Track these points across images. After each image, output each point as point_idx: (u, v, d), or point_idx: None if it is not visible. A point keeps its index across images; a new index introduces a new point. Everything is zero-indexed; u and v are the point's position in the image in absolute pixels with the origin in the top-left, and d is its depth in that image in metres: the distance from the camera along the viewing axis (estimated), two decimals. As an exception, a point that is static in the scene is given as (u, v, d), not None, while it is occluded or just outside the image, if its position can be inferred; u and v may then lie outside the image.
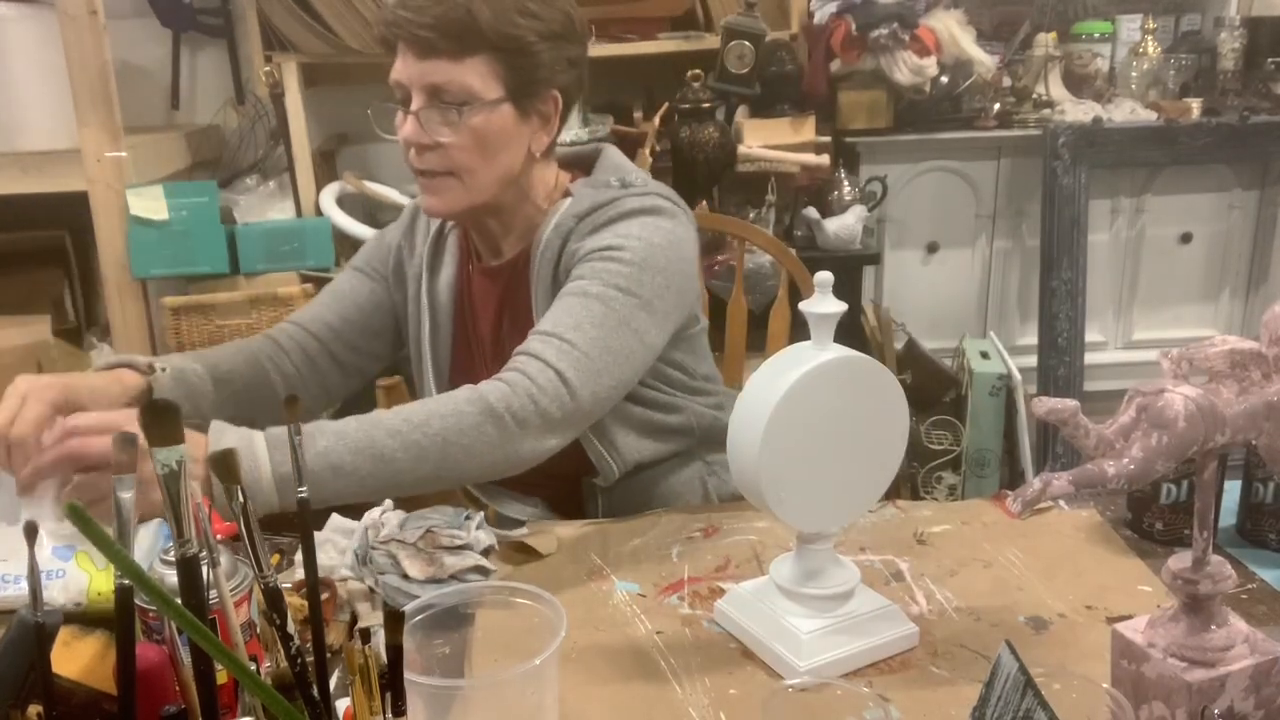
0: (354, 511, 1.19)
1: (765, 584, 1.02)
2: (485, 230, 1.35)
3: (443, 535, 1.08)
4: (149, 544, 1.06)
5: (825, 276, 0.95)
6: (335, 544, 1.16)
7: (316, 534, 1.16)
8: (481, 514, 1.14)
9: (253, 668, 0.69)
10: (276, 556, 1.17)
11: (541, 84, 1.24)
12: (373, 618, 1.03)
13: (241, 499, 0.71)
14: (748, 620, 1.00)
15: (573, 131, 2.47)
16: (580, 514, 1.35)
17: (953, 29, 2.63)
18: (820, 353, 0.94)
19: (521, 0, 1.20)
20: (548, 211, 1.32)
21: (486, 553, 1.11)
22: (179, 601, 0.67)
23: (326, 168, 2.71)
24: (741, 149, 2.51)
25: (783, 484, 0.93)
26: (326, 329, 1.41)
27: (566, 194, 1.32)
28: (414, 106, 1.21)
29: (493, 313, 1.37)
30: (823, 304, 0.94)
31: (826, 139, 2.58)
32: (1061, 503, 1.26)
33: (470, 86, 1.20)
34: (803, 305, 0.96)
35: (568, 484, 1.36)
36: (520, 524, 1.23)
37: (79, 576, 0.93)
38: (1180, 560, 0.79)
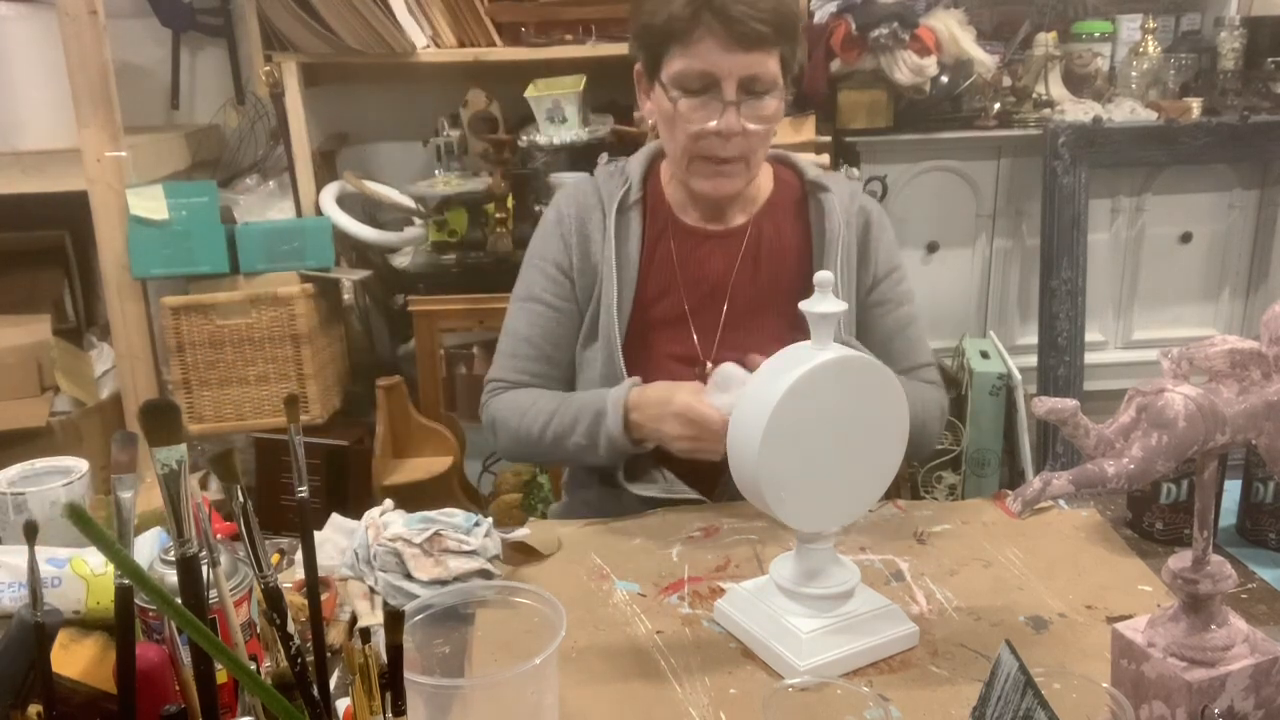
0: (354, 511, 1.19)
1: (765, 583, 1.02)
2: (723, 202, 1.42)
3: (450, 539, 1.08)
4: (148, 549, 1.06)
5: (825, 276, 0.95)
6: (335, 544, 1.16)
7: (316, 534, 1.16)
8: (490, 520, 1.14)
9: (253, 667, 0.69)
10: (276, 556, 1.17)
11: (794, 69, 1.35)
12: (373, 618, 1.03)
13: (241, 499, 0.71)
14: (747, 620, 1.00)
15: (573, 131, 2.47)
16: (710, 488, 1.38)
17: (953, 29, 2.62)
18: (820, 352, 0.94)
19: None
20: (814, 194, 1.43)
21: (494, 560, 1.10)
22: (179, 601, 0.67)
23: (326, 167, 2.71)
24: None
25: (782, 484, 0.93)
26: (551, 370, 1.45)
27: (813, 186, 1.44)
28: (730, 97, 1.28)
29: (715, 273, 1.43)
30: (823, 304, 0.94)
31: (826, 139, 2.57)
32: (1061, 502, 1.26)
33: (776, 75, 1.30)
34: (803, 305, 0.96)
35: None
36: (649, 502, 1.35)
37: (76, 585, 0.93)
38: (1180, 560, 0.79)
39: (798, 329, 1.36)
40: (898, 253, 1.48)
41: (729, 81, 1.27)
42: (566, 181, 1.50)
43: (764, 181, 1.46)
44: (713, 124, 1.29)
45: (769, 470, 0.92)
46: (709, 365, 1.39)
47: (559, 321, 1.44)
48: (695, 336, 1.42)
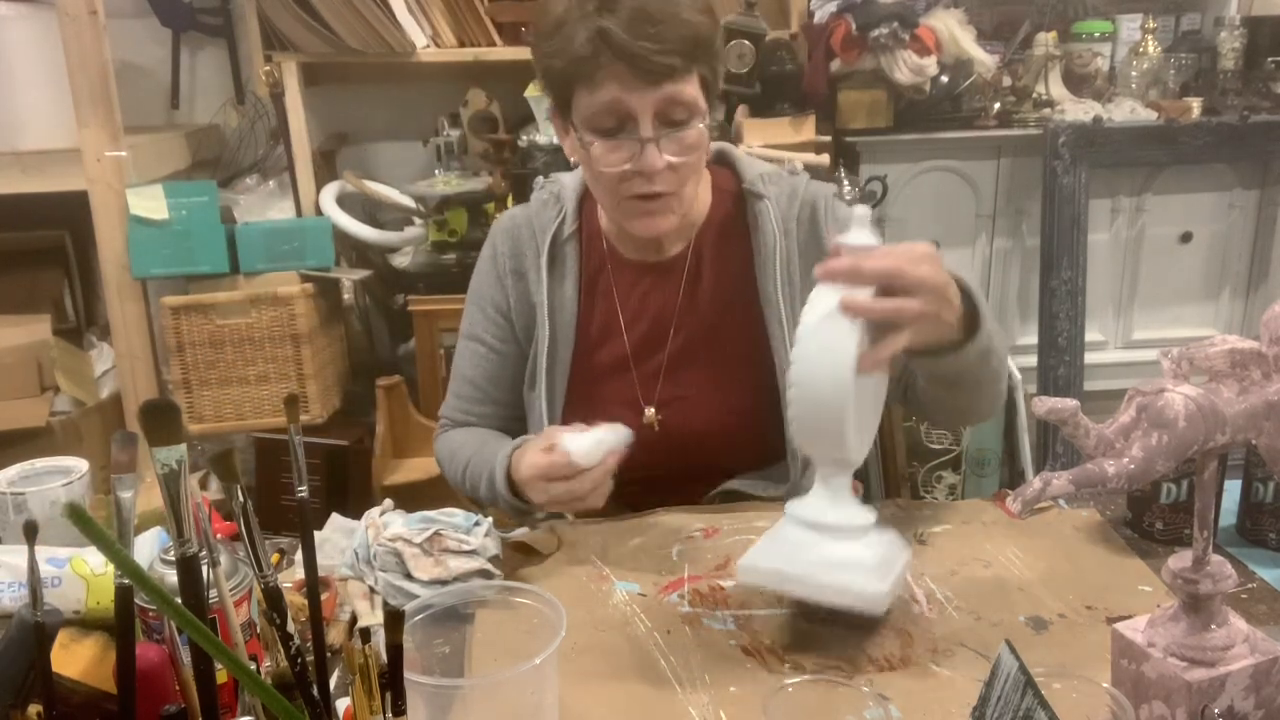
0: (354, 511, 1.19)
1: (789, 532, 1.02)
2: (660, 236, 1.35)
3: (450, 539, 1.08)
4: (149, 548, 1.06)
5: (863, 210, 0.97)
6: (335, 544, 1.16)
7: (316, 534, 1.16)
8: (489, 520, 1.14)
9: (253, 667, 0.69)
10: (276, 556, 1.17)
11: (718, 85, 1.27)
12: (373, 618, 1.03)
13: (241, 499, 0.71)
14: (791, 565, 0.99)
15: (573, 131, 2.47)
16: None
17: (953, 28, 2.62)
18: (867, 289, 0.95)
19: (708, 4, 1.21)
20: (750, 202, 1.34)
21: (494, 560, 1.10)
22: (179, 601, 0.67)
23: (326, 167, 2.71)
24: (741, 149, 2.51)
25: (854, 417, 0.95)
26: (496, 410, 1.41)
27: (749, 195, 1.34)
28: (647, 133, 1.19)
29: (655, 309, 1.36)
30: (860, 237, 0.97)
31: (826, 138, 2.57)
32: (1061, 502, 1.26)
33: (695, 99, 1.20)
34: (840, 239, 0.97)
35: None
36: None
37: (76, 585, 0.93)
38: (1180, 560, 0.79)
39: (745, 364, 1.34)
40: None
41: (643, 118, 1.18)
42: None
43: (701, 201, 1.36)
44: (629, 165, 1.20)
45: (851, 404, 0.93)
46: (650, 411, 1.34)
47: (500, 364, 1.39)
48: (636, 380, 1.35)
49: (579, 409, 1.33)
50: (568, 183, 1.40)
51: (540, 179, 1.49)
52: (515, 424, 1.41)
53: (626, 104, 1.18)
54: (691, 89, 1.20)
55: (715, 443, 1.32)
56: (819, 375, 0.94)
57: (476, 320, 1.41)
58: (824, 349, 0.94)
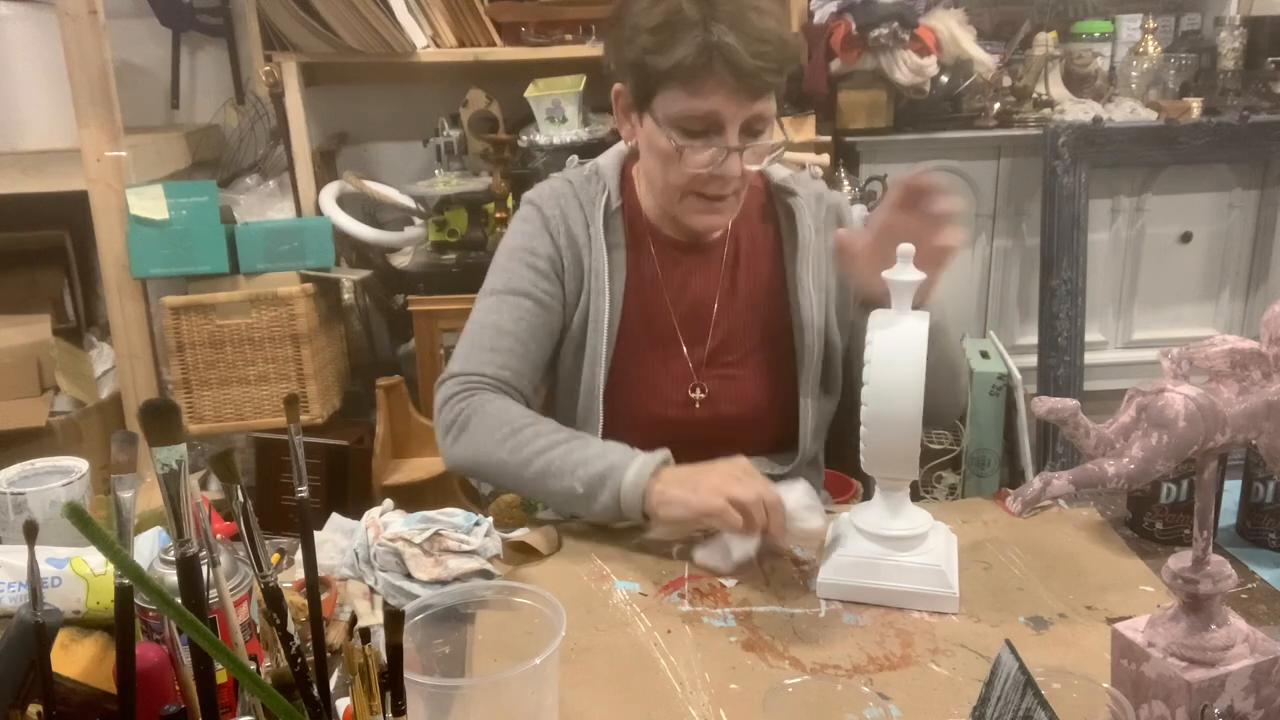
0: (354, 511, 1.19)
1: (858, 545, 1.08)
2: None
3: (450, 539, 1.08)
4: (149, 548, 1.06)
5: (907, 248, 1.06)
6: (335, 544, 1.16)
7: (316, 534, 1.16)
8: (490, 520, 1.14)
9: (253, 667, 0.69)
10: (276, 556, 1.17)
11: (782, 91, 1.32)
12: (373, 618, 1.03)
13: (241, 499, 0.71)
14: (867, 580, 1.07)
15: (573, 131, 2.47)
16: None
17: (953, 28, 2.62)
18: (920, 318, 1.04)
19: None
20: (780, 197, 1.41)
21: (493, 560, 1.10)
22: (179, 601, 0.67)
23: (326, 167, 2.71)
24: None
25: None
26: (531, 373, 1.36)
27: (779, 190, 1.41)
28: (734, 142, 1.24)
29: (698, 287, 1.39)
30: (904, 273, 1.05)
31: (826, 139, 2.57)
32: (1061, 502, 1.26)
33: (774, 111, 1.28)
34: (886, 274, 1.05)
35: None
36: None
37: (76, 585, 0.93)
38: (1180, 560, 0.79)
39: (778, 350, 1.39)
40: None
41: (732, 127, 1.23)
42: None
43: None
44: (711, 169, 1.25)
45: (920, 434, 1.03)
46: (696, 390, 1.37)
47: (545, 321, 1.35)
48: (686, 353, 1.38)
49: (623, 379, 1.36)
50: (604, 161, 1.43)
51: (574, 157, 1.52)
52: (535, 393, 1.39)
53: (723, 114, 1.23)
54: (773, 104, 1.26)
55: (748, 425, 1.37)
56: (895, 413, 1.03)
57: (522, 275, 1.36)
58: (896, 388, 1.02)
